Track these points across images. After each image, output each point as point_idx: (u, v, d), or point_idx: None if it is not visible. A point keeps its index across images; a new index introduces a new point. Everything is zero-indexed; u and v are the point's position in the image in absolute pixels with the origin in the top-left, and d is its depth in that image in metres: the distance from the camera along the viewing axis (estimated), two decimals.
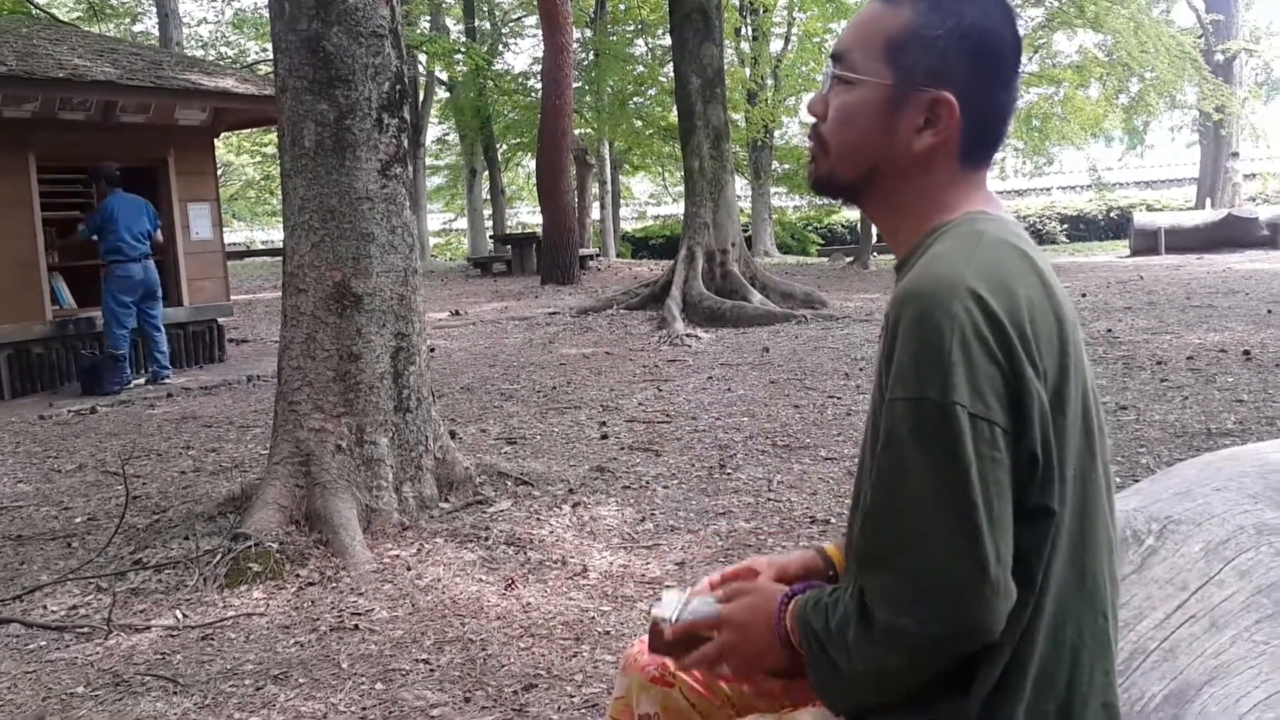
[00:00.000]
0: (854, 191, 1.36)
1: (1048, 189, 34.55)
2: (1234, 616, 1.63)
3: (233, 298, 11.35)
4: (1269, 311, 9.79)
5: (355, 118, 4.38)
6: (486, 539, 4.26)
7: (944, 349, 1.11)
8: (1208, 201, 24.90)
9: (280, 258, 4.57)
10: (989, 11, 1.27)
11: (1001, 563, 1.12)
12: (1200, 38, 24.37)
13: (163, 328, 9.05)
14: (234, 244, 32.88)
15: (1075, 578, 1.22)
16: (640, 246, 29.44)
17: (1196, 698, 1.50)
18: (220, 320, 10.40)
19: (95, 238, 8.69)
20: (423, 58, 23.28)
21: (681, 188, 14.27)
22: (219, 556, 3.98)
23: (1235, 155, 24.89)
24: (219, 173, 12.60)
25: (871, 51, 1.28)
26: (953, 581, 1.11)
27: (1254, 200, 25.21)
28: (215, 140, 10.59)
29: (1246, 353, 7.56)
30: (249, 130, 21.59)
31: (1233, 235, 18.37)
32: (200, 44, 27.52)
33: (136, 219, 8.69)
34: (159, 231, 9.03)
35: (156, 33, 22.87)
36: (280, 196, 4.77)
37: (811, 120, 1.37)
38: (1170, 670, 1.55)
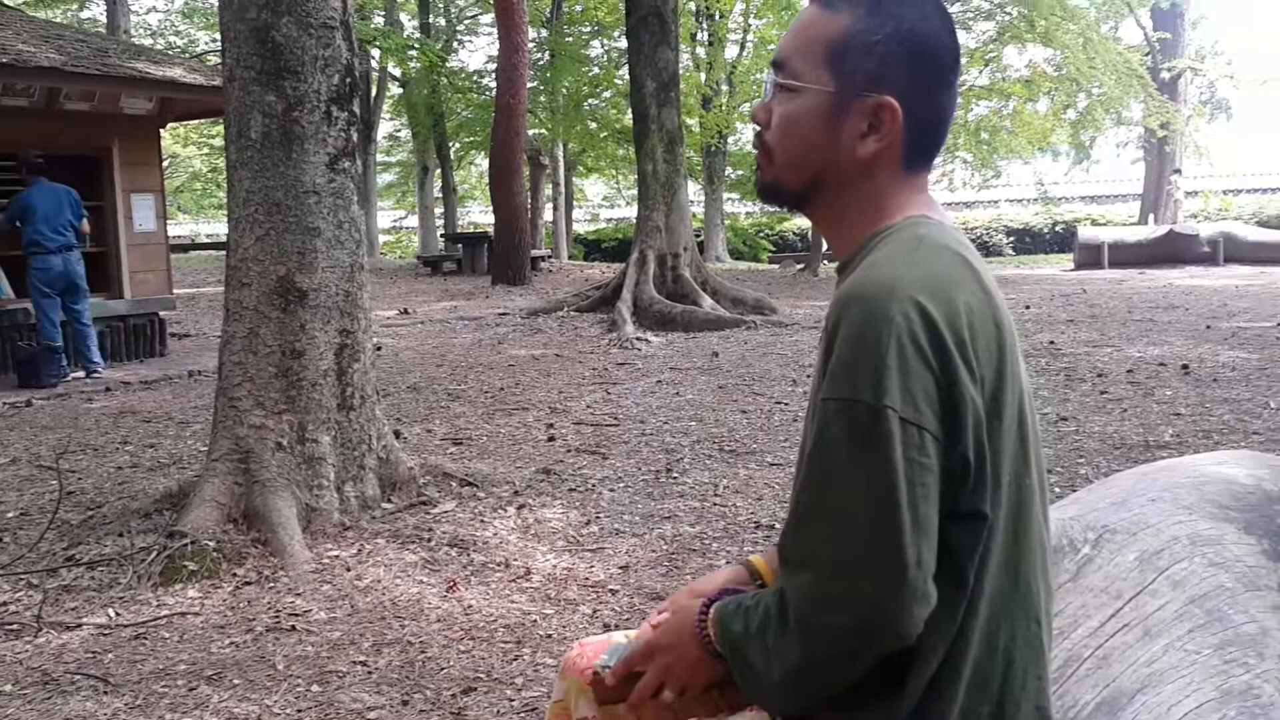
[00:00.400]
0: (800, 198, 1.36)
1: (995, 201, 35.00)
2: (1167, 626, 1.65)
3: (176, 291, 11.17)
4: (1208, 327, 9.99)
5: (304, 110, 4.32)
6: (429, 540, 4.21)
7: (880, 353, 1.12)
8: (1151, 217, 25.38)
9: (225, 251, 4.50)
10: (927, 15, 1.27)
11: (922, 567, 1.12)
12: (1147, 55, 24.85)
13: (91, 323, 8.84)
14: (178, 237, 32.38)
15: (1009, 583, 1.23)
16: (593, 249, 29.42)
17: (1128, 706, 1.51)
18: (162, 314, 10.24)
19: (19, 226, 8.46)
20: (376, 53, 23.08)
21: (635, 191, 14.27)
22: (154, 554, 3.90)
23: (1178, 172, 25.40)
24: (165, 164, 12.39)
25: (812, 58, 1.28)
26: (873, 583, 1.12)
27: (1195, 217, 25.73)
28: (162, 131, 10.42)
29: (1185, 367, 7.70)
30: (197, 121, 21.27)
31: (1174, 251, 18.74)
32: (149, 32, 27.09)
33: (57, 210, 8.45)
34: (86, 222, 8.79)
35: (104, 19, 22.49)
36: (226, 189, 4.70)
37: (757, 130, 1.36)
38: (1103, 678, 1.56)
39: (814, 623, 1.14)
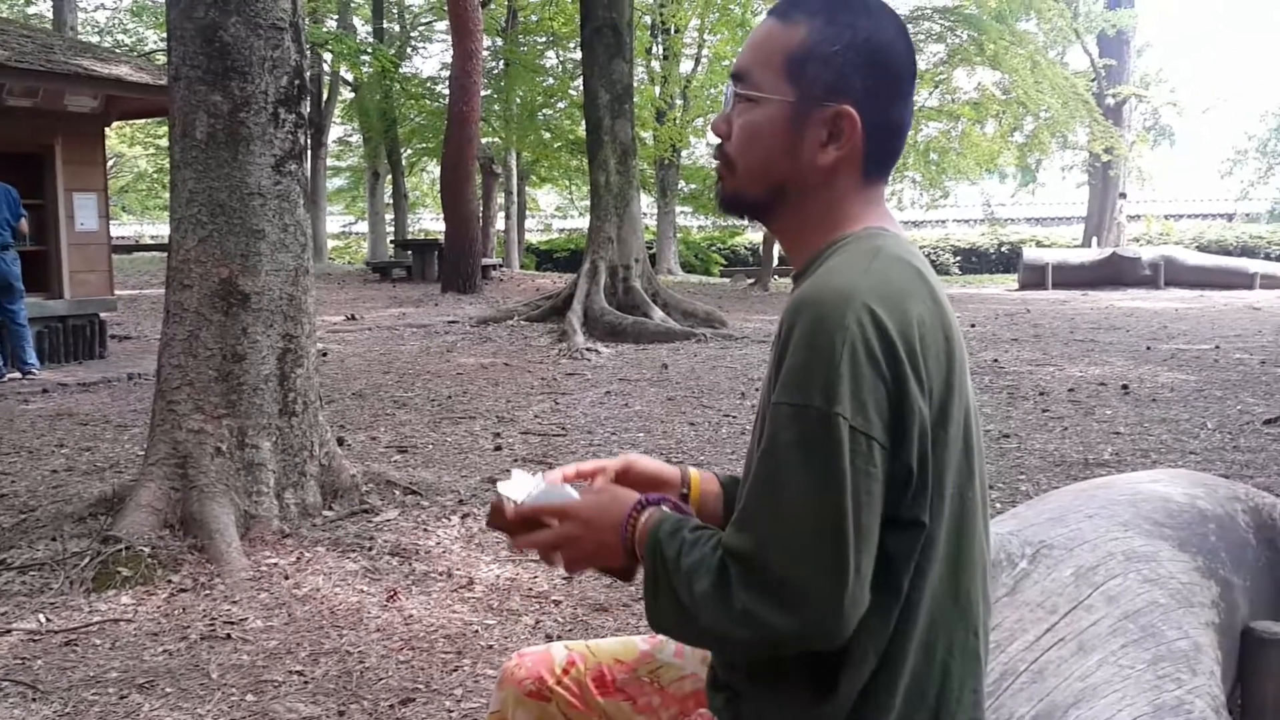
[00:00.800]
0: (761, 208, 1.36)
1: (943, 221, 35.46)
2: (1101, 640, 1.67)
3: (118, 293, 10.98)
4: (1148, 348, 10.18)
5: (250, 111, 4.26)
6: (370, 549, 4.16)
7: (833, 359, 1.13)
8: (1094, 240, 25.83)
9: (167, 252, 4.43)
10: (883, 25, 1.29)
11: (860, 575, 1.13)
12: (1093, 81, 25.32)
13: (26, 323, 8.67)
14: (122, 237, 31.86)
15: (949, 594, 1.23)
16: (544, 259, 29.36)
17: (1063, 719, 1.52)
18: (103, 315, 10.05)
19: None
20: (328, 56, 22.89)
21: (588, 202, 14.27)
22: (87, 559, 3.82)
23: (1123, 196, 25.89)
24: (109, 163, 12.17)
25: (772, 69, 1.29)
26: (812, 584, 1.12)
27: (1138, 241, 26.23)
28: (107, 129, 10.24)
29: (1125, 387, 7.83)
30: (144, 121, 20.96)
31: (1117, 274, 19.11)
32: (97, 30, 26.65)
33: None
34: (24, 222, 8.62)
35: (51, 15, 22.10)
36: (169, 189, 4.62)
37: (717, 140, 1.37)
38: (1038, 692, 1.57)
39: (752, 610, 1.15)
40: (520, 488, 1.42)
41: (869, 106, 1.27)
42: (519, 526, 1.40)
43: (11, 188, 8.53)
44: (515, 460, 5.68)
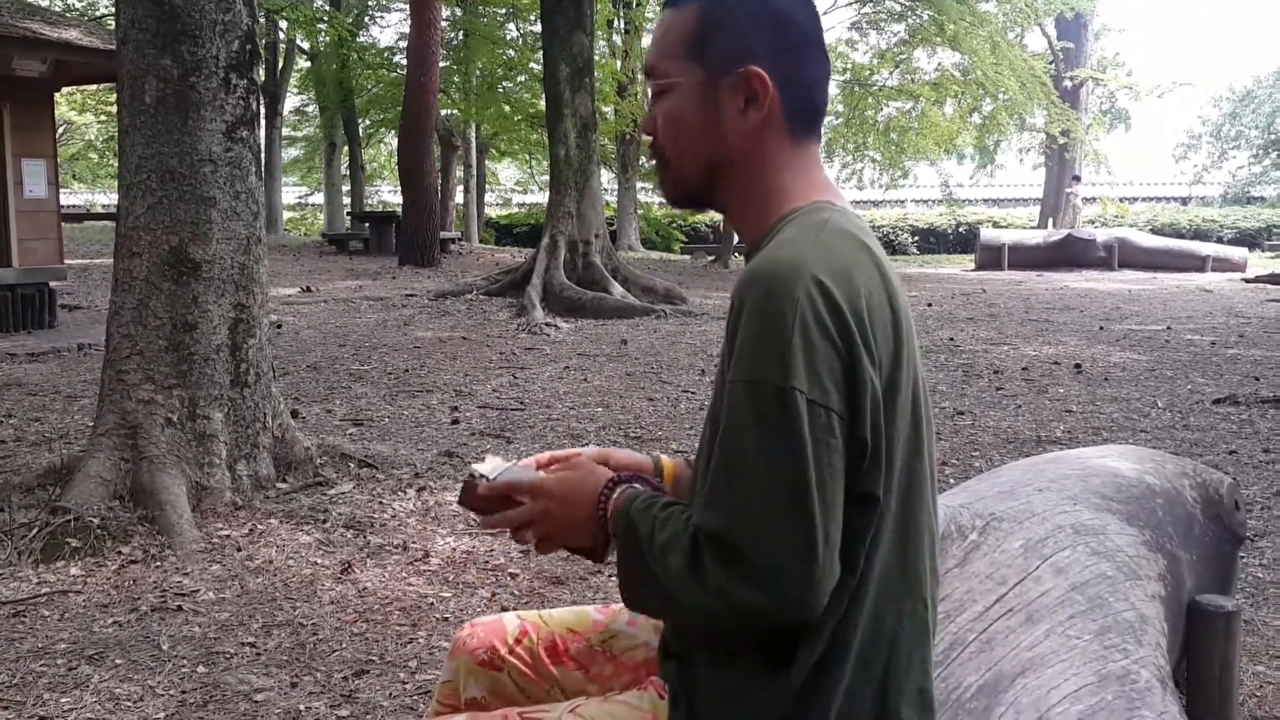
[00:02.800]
0: (704, 192, 1.38)
1: (902, 201, 35.64)
2: (1049, 611, 1.69)
3: (68, 262, 10.79)
4: (1101, 328, 10.32)
5: (200, 76, 4.19)
6: (324, 521, 4.13)
7: (785, 333, 1.13)
8: (1050, 221, 26.09)
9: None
10: None
11: (830, 545, 1.14)
12: (1051, 64, 25.49)
13: None
14: (72, 206, 31.28)
15: (897, 565, 1.24)
16: (504, 233, 29.16)
17: (1010, 688, 1.54)
18: (52, 284, 9.86)
19: None
20: (283, 24, 22.53)
21: (548, 176, 14.19)
22: (35, 530, 3.76)
23: (1077, 179, 26.11)
24: (60, 130, 11.92)
25: (677, 55, 1.32)
26: (784, 560, 1.12)
27: (1093, 223, 26.52)
28: (56, 95, 10.02)
29: (1078, 366, 7.94)
30: (95, 87, 20.54)
31: (1072, 255, 19.32)
32: None
33: None
34: None
35: None
36: (118, 155, 4.54)
37: (649, 140, 1.39)
38: (986, 661, 1.59)
39: (726, 587, 1.14)
40: (491, 467, 1.41)
41: (777, 64, 1.28)
42: (491, 504, 1.40)
43: None
44: (475, 434, 5.66)
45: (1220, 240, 24.16)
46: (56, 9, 21.81)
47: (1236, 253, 19.74)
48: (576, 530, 1.35)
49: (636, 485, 1.33)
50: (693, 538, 1.19)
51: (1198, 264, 18.98)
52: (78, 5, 24.53)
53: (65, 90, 10.30)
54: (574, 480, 1.37)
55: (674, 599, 1.20)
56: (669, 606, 1.24)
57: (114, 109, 28.71)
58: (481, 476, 1.39)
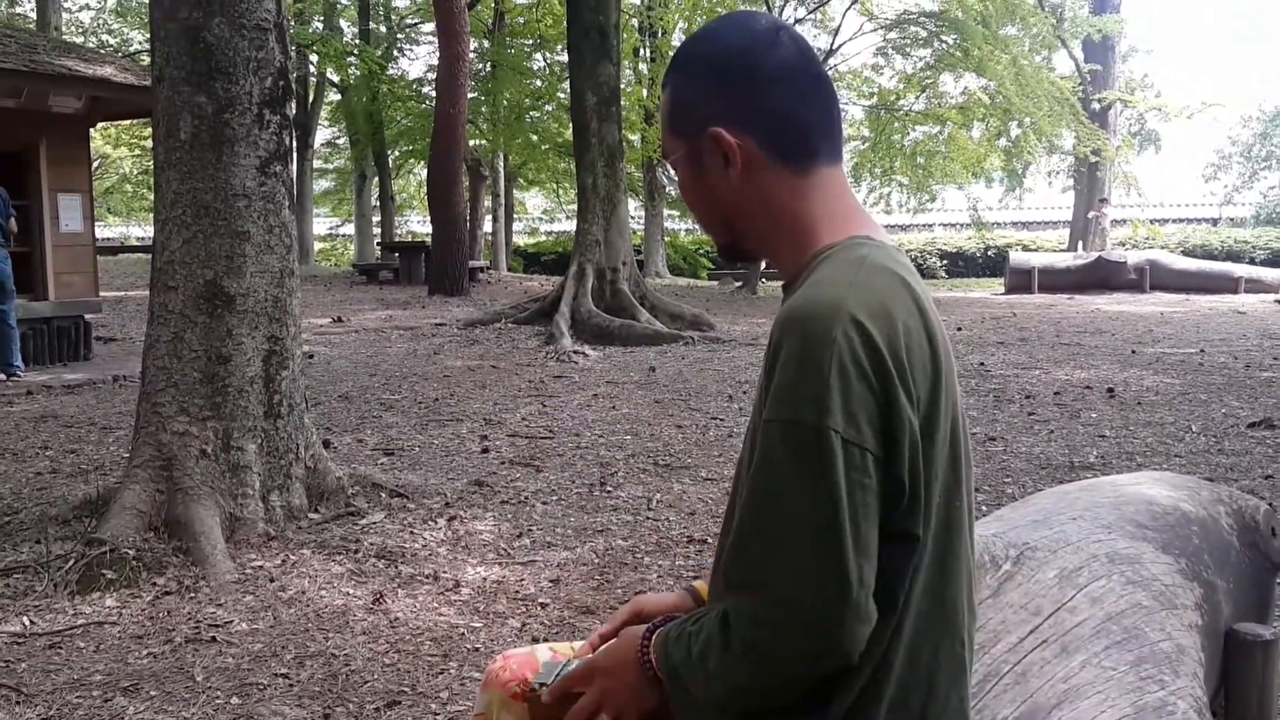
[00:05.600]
0: (737, 244, 1.42)
1: (930, 225, 35.52)
2: (1084, 642, 1.67)
3: (103, 294, 10.94)
4: (1133, 352, 10.22)
5: (235, 112, 4.25)
6: (356, 551, 4.15)
7: (822, 373, 1.13)
8: (1079, 244, 25.91)
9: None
10: (729, 41, 1.34)
11: (864, 587, 1.13)
12: (1079, 86, 25.41)
13: (14, 324, 8.65)
14: (108, 239, 31.70)
15: (935, 603, 1.23)
16: (532, 261, 29.32)
17: None
18: (88, 317, 10.00)
19: None
20: (314, 58, 22.82)
21: (575, 205, 14.26)
22: (71, 562, 3.80)
23: (1105, 201, 25.95)
24: (95, 164, 12.13)
25: (668, 133, 1.40)
26: (816, 604, 1.12)
27: (1123, 245, 26.32)
28: (91, 130, 10.20)
29: (1110, 390, 7.86)
30: (129, 122, 20.87)
31: (1102, 277, 19.16)
32: (81, 30, 26.55)
33: None
34: (13, 221, 8.62)
35: (35, 16, 22.00)
36: (154, 190, 4.61)
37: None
38: (1021, 693, 1.58)
39: (761, 646, 1.14)
40: (549, 670, 1.50)
41: (733, 113, 1.32)
42: (560, 704, 1.43)
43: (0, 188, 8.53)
44: (505, 463, 5.68)
45: (1252, 261, 23.88)
46: (91, 45, 22.23)
47: (1270, 274, 19.50)
48: (638, 694, 1.35)
49: (670, 624, 1.33)
50: (721, 617, 1.19)
51: (1230, 285, 18.77)
52: (111, 41, 24.99)
53: (100, 125, 10.46)
54: (617, 651, 1.38)
55: (728, 693, 1.20)
56: (727, 707, 1.23)
57: (148, 143, 29.19)
58: (542, 685, 1.46)
